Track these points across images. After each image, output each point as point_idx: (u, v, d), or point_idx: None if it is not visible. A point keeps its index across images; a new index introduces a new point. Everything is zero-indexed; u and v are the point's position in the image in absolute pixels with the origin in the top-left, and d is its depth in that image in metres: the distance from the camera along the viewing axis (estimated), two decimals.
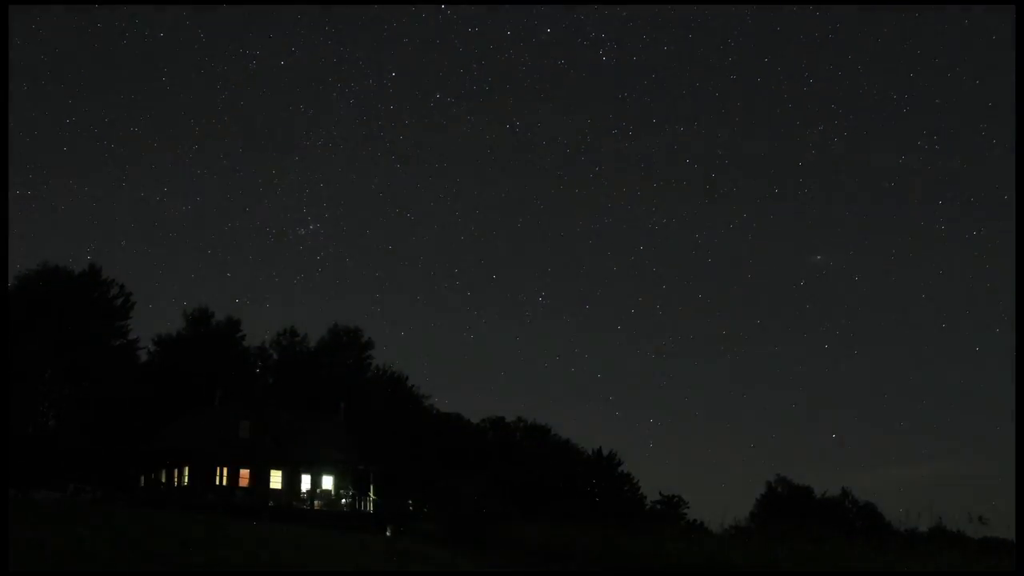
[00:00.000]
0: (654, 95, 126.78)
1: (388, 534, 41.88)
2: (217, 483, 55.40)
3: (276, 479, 57.92)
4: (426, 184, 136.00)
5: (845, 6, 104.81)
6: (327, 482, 59.95)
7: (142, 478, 65.03)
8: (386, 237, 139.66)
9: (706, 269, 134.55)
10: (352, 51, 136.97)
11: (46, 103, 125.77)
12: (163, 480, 60.52)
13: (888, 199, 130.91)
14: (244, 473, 56.98)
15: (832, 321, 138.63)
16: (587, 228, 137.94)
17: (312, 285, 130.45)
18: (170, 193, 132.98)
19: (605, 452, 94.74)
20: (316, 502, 56.04)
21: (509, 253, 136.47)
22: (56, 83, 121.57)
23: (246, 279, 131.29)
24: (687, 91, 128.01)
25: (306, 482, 58.75)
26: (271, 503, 53.29)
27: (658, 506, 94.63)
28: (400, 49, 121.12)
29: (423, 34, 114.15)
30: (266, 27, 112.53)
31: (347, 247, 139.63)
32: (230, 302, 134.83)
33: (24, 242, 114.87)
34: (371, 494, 58.99)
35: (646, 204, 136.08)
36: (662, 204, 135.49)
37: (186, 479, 56.76)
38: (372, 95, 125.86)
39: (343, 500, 58.07)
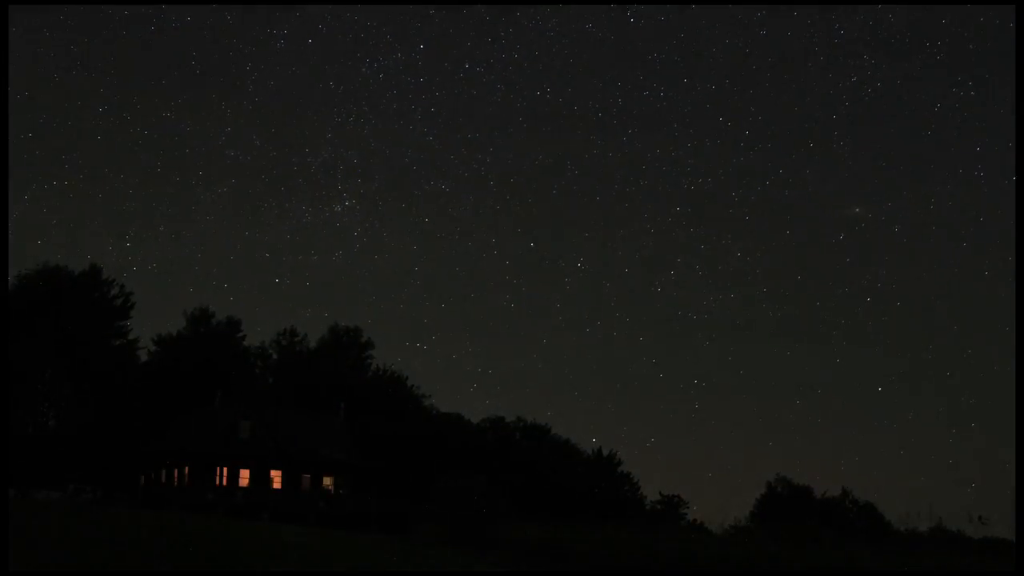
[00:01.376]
0: (683, 54, 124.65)
1: (388, 534, 41.86)
2: (217, 483, 55.39)
3: (276, 479, 57.93)
4: (459, 155, 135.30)
5: None
6: (327, 482, 59.96)
7: (142, 478, 65.03)
8: (422, 210, 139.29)
9: (744, 227, 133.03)
10: (379, 25, 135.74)
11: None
12: (163, 480, 60.51)
13: (926, 146, 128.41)
14: (244, 473, 56.98)
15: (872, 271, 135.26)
16: (620, 192, 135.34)
17: (351, 261, 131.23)
18: (204, 177, 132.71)
19: (605, 452, 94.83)
20: (316, 502, 56.02)
21: (541, 227, 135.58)
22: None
23: (285, 260, 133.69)
24: (717, 48, 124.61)
25: (306, 482, 58.75)
26: (271, 503, 53.27)
27: (658, 506, 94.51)
28: (427, 20, 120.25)
29: (449, 4, 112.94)
30: (292, 5, 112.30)
31: (384, 222, 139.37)
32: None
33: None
34: (371, 494, 58.98)
35: (680, 165, 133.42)
36: (702, 159, 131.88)
37: (186, 479, 56.76)
38: (401, 68, 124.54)
39: (343, 500, 58.05)
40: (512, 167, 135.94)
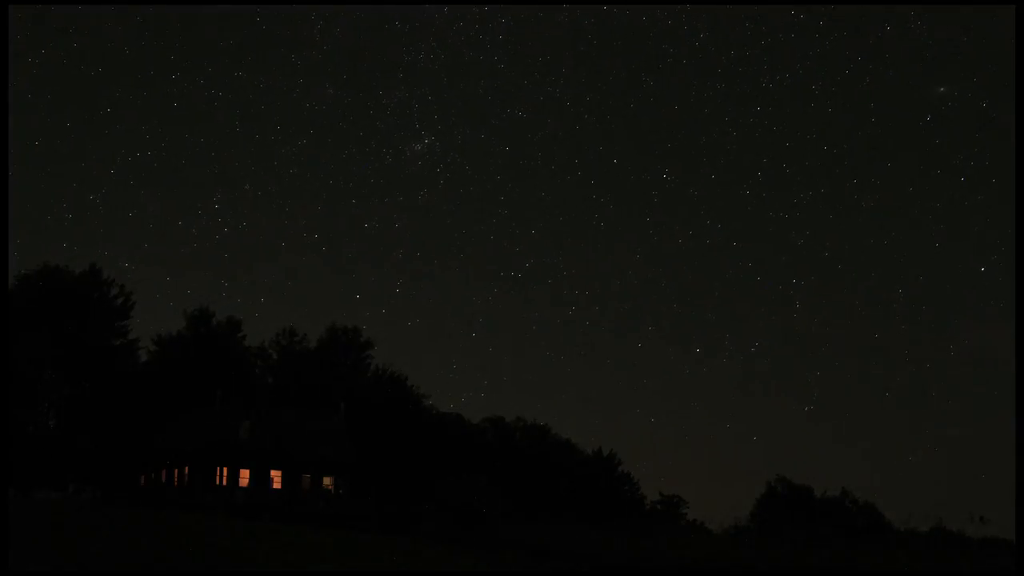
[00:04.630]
0: None
1: (388, 534, 41.87)
2: (217, 483, 55.35)
3: (276, 479, 57.90)
4: (532, 80, 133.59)
5: None
6: (327, 482, 59.93)
7: (142, 478, 65.00)
8: (502, 139, 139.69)
9: (825, 119, 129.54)
10: None
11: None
12: (163, 480, 60.49)
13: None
14: (244, 473, 56.91)
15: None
16: (699, 97, 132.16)
17: (436, 199, 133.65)
18: (284, 131, 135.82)
19: (605, 452, 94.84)
20: (316, 502, 55.99)
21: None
22: (138, 48, 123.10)
23: (370, 203, 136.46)
24: None
25: (306, 482, 58.72)
26: (271, 503, 53.25)
27: (658, 506, 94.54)
28: None
29: None
30: None
31: (465, 155, 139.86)
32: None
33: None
34: (371, 494, 58.97)
35: (756, 63, 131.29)
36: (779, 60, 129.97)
37: (186, 479, 56.74)
38: None
39: (343, 500, 58.03)
40: (586, 87, 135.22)
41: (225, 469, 56.08)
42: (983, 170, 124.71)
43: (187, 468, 56.78)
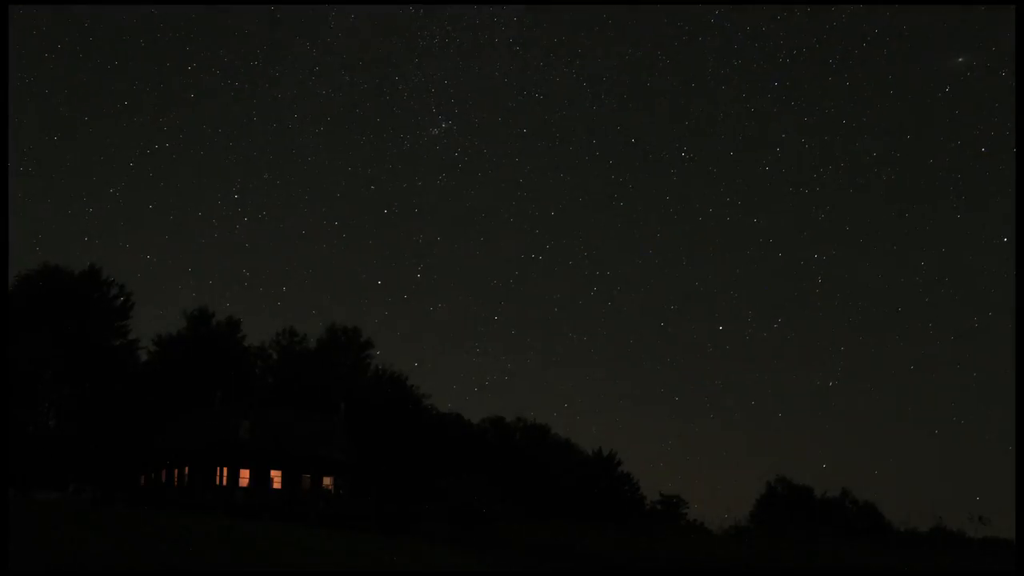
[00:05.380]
0: None
1: (388, 534, 41.87)
2: (217, 483, 55.34)
3: (276, 479, 57.90)
4: (548, 61, 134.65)
5: None
6: (327, 482, 59.93)
7: (142, 478, 64.99)
8: (519, 122, 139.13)
9: (843, 92, 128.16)
10: None
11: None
12: (163, 480, 60.49)
13: None
14: (244, 473, 56.90)
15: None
16: (715, 74, 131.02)
17: (454, 183, 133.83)
18: (300, 120, 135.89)
19: (605, 452, 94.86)
20: (316, 502, 56.00)
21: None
22: (155, 41, 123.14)
23: (389, 189, 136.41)
24: None
25: (306, 482, 58.72)
26: (271, 503, 53.25)
27: (658, 506, 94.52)
28: None
29: None
30: None
31: (482, 138, 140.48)
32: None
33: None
34: (371, 494, 58.98)
35: (772, 39, 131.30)
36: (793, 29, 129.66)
37: (186, 479, 56.74)
38: None
39: (343, 500, 58.04)
40: (602, 66, 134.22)
41: (225, 469, 56.08)
42: (1003, 140, 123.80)
43: (187, 468, 56.79)
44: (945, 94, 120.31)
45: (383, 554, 23.81)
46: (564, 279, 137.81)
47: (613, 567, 26.33)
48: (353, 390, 73.94)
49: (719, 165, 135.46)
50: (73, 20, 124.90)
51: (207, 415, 60.13)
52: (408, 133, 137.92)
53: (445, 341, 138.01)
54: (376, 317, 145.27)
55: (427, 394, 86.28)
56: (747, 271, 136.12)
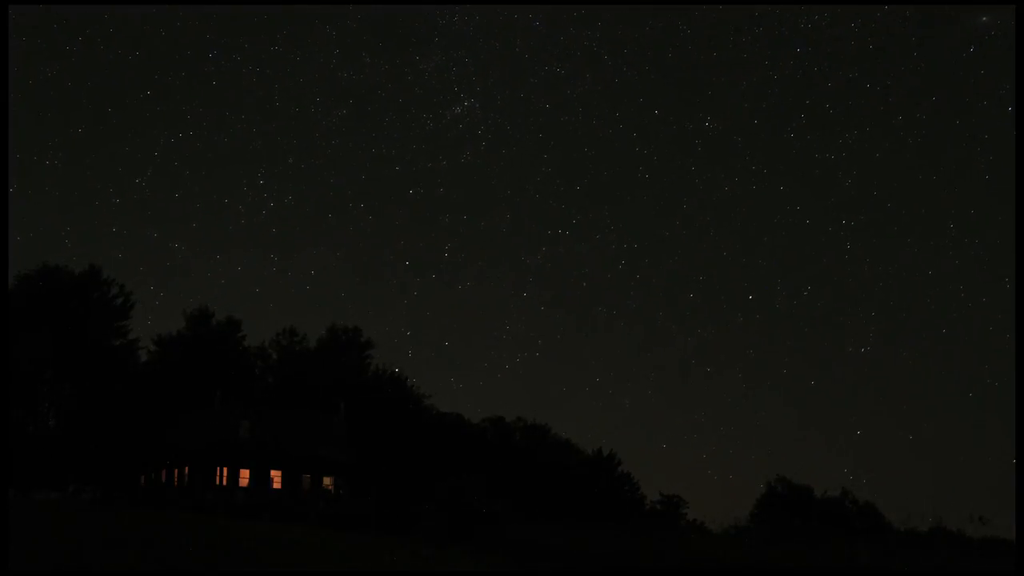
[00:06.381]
0: None
1: (388, 534, 41.85)
2: (217, 483, 55.36)
3: (276, 479, 57.92)
4: (568, 35, 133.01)
5: None
6: (327, 482, 59.95)
7: (142, 478, 65.00)
8: (541, 97, 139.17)
9: (867, 56, 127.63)
10: None
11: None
12: (163, 480, 60.51)
13: None
14: (244, 473, 56.93)
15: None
16: (737, 42, 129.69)
17: (477, 162, 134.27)
18: (323, 103, 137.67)
19: (605, 452, 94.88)
20: (316, 502, 56.01)
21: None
22: (177, 30, 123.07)
23: (413, 168, 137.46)
24: None
25: (306, 482, 58.73)
26: (271, 503, 53.27)
27: (658, 506, 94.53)
28: None
29: None
30: None
31: (505, 115, 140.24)
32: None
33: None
34: (371, 494, 58.97)
35: (792, 4, 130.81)
36: None
37: (186, 479, 56.75)
38: None
39: (343, 500, 58.05)
40: (622, 38, 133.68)
41: (225, 469, 56.10)
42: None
43: (187, 468, 56.80)
44: (970, 54, 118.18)
45: (383, 554, 23.81)
46: (592, 253, 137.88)
47: (613, 567, 26.32)
48: (353, 390, 73.93)
49: (743, 134, 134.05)
50: (93, 14, 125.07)
51: (207, 415, 60.14)
52: (431, 113, 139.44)
53: (473, 320, 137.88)
54: (406, 298, 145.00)
55: (427, 394, 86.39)
56: (775, 239, 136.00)
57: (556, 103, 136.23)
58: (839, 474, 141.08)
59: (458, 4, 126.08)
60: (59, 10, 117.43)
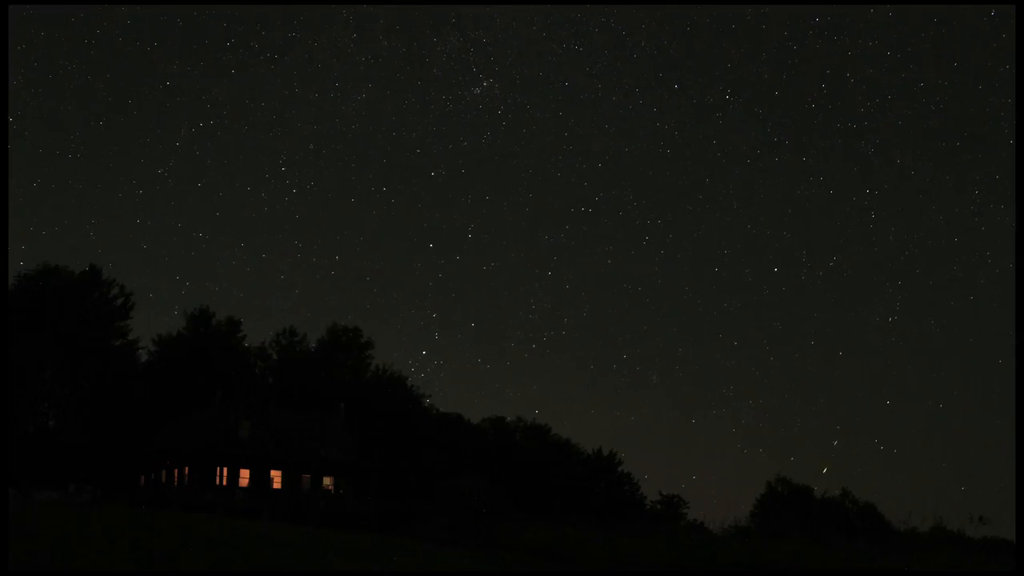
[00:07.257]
0: None
1: (388, 534, 41.84)
2: (217, 483, 55.36)
3: (276, 479, 57.92)
4: (585, 12, 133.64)
5: None
6: (327, 482, 59.95)
7: (142, 478, 65.00)
8: (560, 75, 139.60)
9: (887, 24, 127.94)
10: None
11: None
12: (163, 480, 60.50)
13: None
14: (244, 473, 56.95)
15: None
16: (756, 12, 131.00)
17: (497, 142, 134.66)
18: (342, 88, 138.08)
19: (605, 452, 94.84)
20: (316, 502, 56.01)
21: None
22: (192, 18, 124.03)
23: (435, 151, 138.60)
24: None
25: (306, 482, 58.74)
26: (271, 503, 53.26)
27: (658, 506, 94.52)
28: None
29: None
30: None
31: (524, 94, 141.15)
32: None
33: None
34: (371, 494, 58.98)
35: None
36: None
37: (186, 479, 56.74)
38: None
39: (343, 500, 58.05)
40: (640, 13, 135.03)
41: (225, 469, 56.10)
42: None
43: (187, 468, 56.79)
44: (991, 18, 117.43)
45: (383, 554, 23.80)
46: (615, 230, 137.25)
47: (613, 567, 26.33)
48: (353, 390, 73.94)
49: (764, 105, 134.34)
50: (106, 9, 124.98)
51: (207, 415, 60.14)
52: (450, 94, 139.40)
53: (496, 299, 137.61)
54: (430, 280, 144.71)
55: (427, 394, 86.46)
56: (798, 210, 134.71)
57: (575, 81, 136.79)
58: (839, 474, 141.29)
59: None
60: (75, 7, 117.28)
